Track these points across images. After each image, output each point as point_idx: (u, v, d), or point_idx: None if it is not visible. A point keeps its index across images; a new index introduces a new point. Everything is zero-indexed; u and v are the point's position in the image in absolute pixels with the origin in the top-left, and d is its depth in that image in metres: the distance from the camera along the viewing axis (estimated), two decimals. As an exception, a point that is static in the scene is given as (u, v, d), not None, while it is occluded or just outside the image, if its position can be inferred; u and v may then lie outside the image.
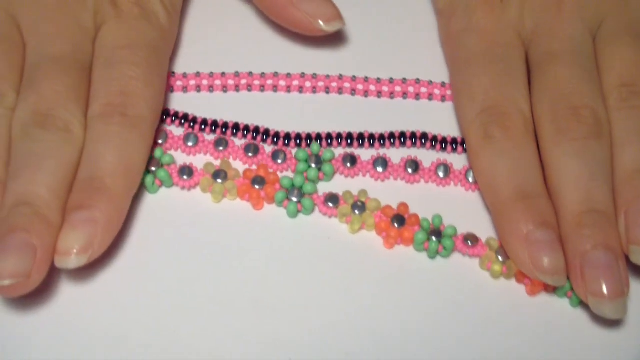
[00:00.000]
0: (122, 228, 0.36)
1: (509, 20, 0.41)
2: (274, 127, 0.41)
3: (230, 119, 0.41)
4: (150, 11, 0.40)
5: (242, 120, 0.41)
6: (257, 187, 0.38)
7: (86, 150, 0.36)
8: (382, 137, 0.41)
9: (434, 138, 0.41)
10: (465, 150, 0.41)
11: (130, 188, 0.36)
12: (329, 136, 0.41)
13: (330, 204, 0.39)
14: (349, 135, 0.41)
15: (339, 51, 0.44)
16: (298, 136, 0.41)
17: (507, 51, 0.41)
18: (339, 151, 0.41)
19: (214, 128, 0.41)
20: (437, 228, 0.38)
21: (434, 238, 0.38)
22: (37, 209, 0.34)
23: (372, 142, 0.41)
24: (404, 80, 0.43)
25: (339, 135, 0.41)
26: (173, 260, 0.37)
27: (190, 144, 0.40)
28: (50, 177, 0.34)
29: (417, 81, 0.44)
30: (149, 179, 0.38)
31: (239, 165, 0.40)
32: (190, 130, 0.41)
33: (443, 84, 0.43)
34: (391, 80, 0.43)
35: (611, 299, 0.35)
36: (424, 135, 0.41)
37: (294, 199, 0.38)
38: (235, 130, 0.41)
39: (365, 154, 0.41)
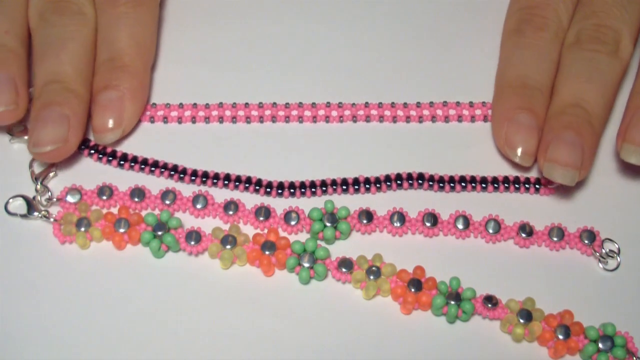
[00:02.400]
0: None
1: None
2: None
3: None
4: None
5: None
6: (267, 252, 0.37)
7: (100, 35, 0.40)
8: (387, 178, 0.40)
9: (441, 179, 0.40)
10: (474, 188, 0.40)
11: (146, 61, 0.40)
12: (334, 182, 0.40)
13: (344, 269, 0.37)
14: (356, 181, 0.40)
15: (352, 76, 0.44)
16: (302, 185, 0.39)
17: None
18: (352, 203, 0.39)
19: (215, 181, 0.39)
20: (455, 291, 0.37)
21: (452, 302, 0.36)
22: (65, 85, 0.38)
23: (378, 185, 0.40)
24: (444, 104, 0.42)
25: (345, 181, 0.40)
26: (179, 329, 0.36)
27: (199, 206, 0.39)
28: (73, 56, 0.38)
29: (458, 104, 0.43)
30: (154, 244, 0.37)
31: (249, 228, 0.39)
32: (194, 186, 0.40)
33: (484, 104, 0.42)
34: (431, 104, 0.42)
35: (564, 166, 0.37)
36: (432, 178, 0.40)
37: (306, 265, 0.37)
38: (238, 183, 0.39)
39: (378, 201, 0.40)
